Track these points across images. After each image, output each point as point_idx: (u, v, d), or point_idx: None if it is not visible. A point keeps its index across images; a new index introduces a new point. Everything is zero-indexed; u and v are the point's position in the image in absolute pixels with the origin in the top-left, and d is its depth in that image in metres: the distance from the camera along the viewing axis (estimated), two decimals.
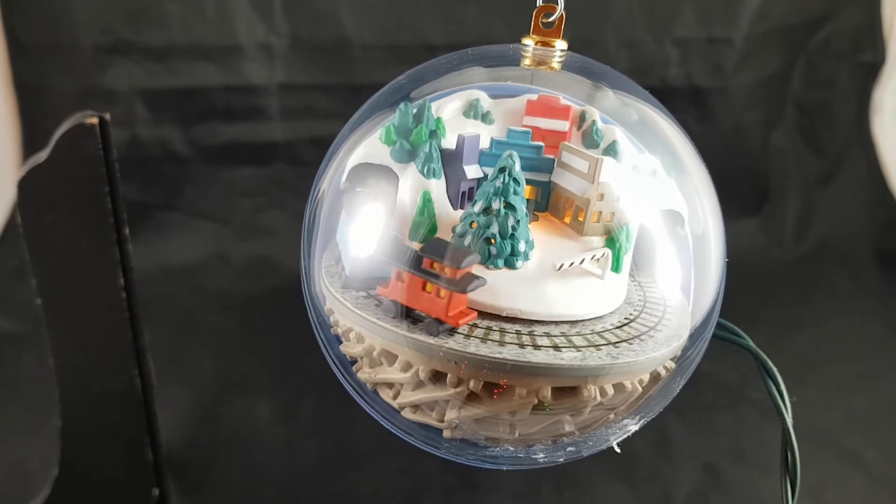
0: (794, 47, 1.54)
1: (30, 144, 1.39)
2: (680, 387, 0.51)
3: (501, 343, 0.43)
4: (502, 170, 0.44)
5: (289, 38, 1.41)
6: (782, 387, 0.55)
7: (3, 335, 1.22)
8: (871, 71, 1.54)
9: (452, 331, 0.44)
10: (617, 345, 0.45)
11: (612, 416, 0.48)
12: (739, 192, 1.55)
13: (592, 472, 1.05)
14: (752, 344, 0.56)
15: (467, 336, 0.44)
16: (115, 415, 0.84)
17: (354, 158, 0.49)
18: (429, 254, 0.44)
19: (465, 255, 0.44)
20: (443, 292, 0.43)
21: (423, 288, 0.44)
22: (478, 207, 0.44)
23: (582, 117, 0.50)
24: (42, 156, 0.72)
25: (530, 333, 0.44)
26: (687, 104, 1.51)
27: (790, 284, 1.48)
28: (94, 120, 0.71)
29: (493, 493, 1.03)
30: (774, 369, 0.55)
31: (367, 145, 0.49)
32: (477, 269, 0.45)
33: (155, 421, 0.86)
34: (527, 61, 0.50)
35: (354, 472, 1.05)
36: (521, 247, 0.45)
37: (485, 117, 0.51)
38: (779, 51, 1.53)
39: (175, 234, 1.45)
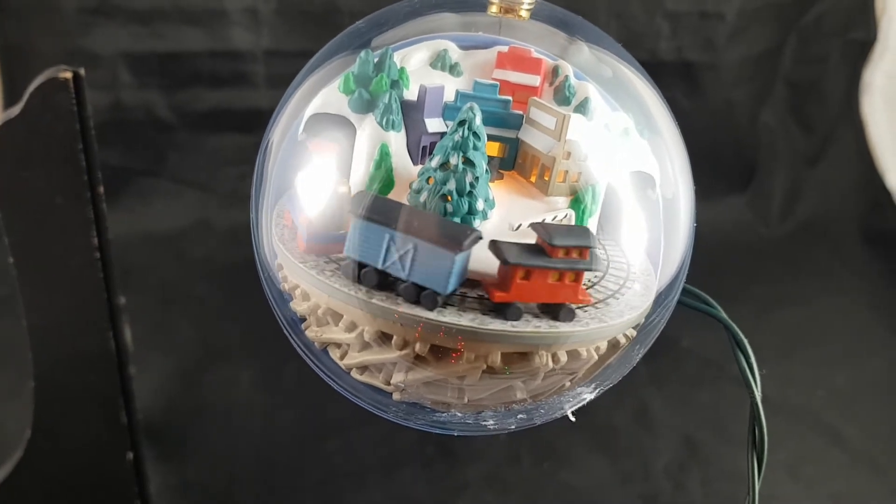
0: (785, 24, 1.52)
1: (11, 106, 1.37)
2: (640, 355, 0.49)
3: (450, 305, 0.42)
4: (462, 123, 0.42)
5: (275, 3, 1.39)
6: (752, 360, 0.53)
7: None
8: (863, 50, 1.53)
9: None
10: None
11: (567, 383, 0.47)
12: (727, 169, 1.54)
13: (572, 443, 1.05)
14: (724, 315, 0.54)
15: None
16: (89, 376, 0.83)
17: (311, 108, 0.47)
18: (564, 241, 0.41)
19: (586, 232, 0.43)
20: (578, 275, 0.42)
21: (556, 278, 0.42)
22: (435, 162, 0.42)
23: (555, 72, 0.48)
24: (15, 110, 0.70)
25: (481, 297, 0.43)
26: (676, 78, 1.50)
27: (776, 262, 1.47)
28: (68, 74, 0.69)
29: (473, 463, 1.03)
30: (745, 342, 0.53)
31: (324, 94, 0.47)
32: None
33: (129, 383, 0.85)
34: (494, 8, 0.48)
35: (333, 441, 1.05)
36: (480, 205, 0.42)
37: (453, 69, 0.48)
38: (770, 27, 1.52)
39: (158, 201, 1.44)
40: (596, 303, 0.44)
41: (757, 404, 0.52)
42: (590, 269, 0.42)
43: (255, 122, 1.45)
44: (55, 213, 0.75)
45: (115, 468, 0.87)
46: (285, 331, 0.50)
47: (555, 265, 0.41)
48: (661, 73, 1.47)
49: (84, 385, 0.83)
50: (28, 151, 0.72)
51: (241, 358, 1.18)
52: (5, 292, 1.20)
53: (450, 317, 0.41)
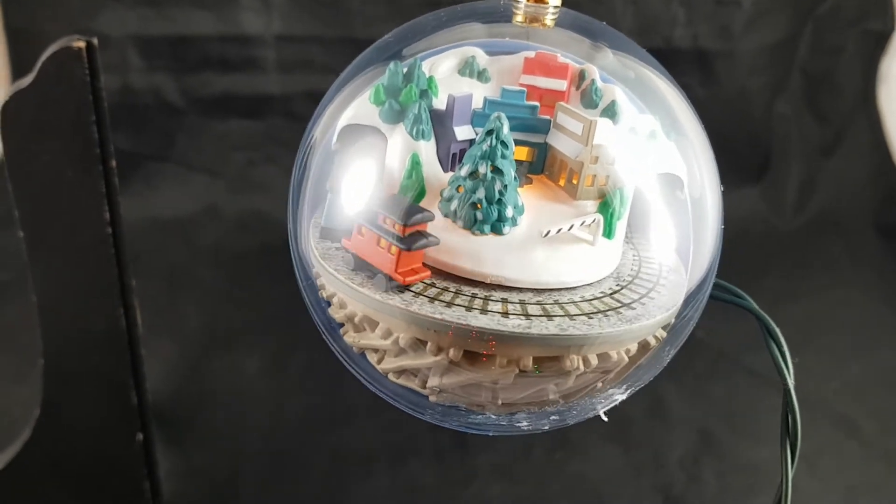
0: (802, 13, 1.51)
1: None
2: (670, 356, 0.50)
3: (484, 311, 0.42)
4: (490, 132, 0.43)
5: None
6: (785, 348, 0.54)
7: None
8: (880, 40, 1.51)
9: (402, 288, 0.43)
10: (605, 313, 0.44)
11: (598, 385, 0.47)
12: (741, 159, 1.53)
13: (585, 433, 1.05)
14: (755, 305, 0.55)
15: (448, 304, 0.43)
16: (99, 355, 0.81)
17: (344, 119, 0.48)
18: (383, 209, 0.43)
19: (415, 212, 0.43)
20: (393, 248, 0.43)
21: (378, 243, 0.43)
22: (464, 171, 0.43)
23: (581, 76, 0.49)
24: (26, 80, 0.68)
25: (519, 302, 0.43)
26: (692, 67, 1.49)
27: (789, 254, 1.47)
28: (82, 44, 0.67)
29: (484, 452, 1.03)
30: (777, 331, 0.54)
31: (356, 106, 0.48)
32: (463, 234, 0.43)
33: (140, 363, 0.83)
34: (519, 17, 0.49)
35: (343, 428, 1.04)
36: (509, 212, 0.43)
37: (480, 75, 0.49)
38: (787, 16, 1.51)
39: (166, 186, 1.43)
40: (620, 306, 0.45)
41: (790, 392, 0.53)
42: (399, 245, 0.43)
43: (265, 108, 1.44)
44: (66, 187, 0.73)
45: (124, 449, 0.86)
46: (323, 336, 0.51)
47: (368, 225, 0.44)
48: (677, 61, 1.46)
49: (94, 364, 0.82)
50: (39, 123, 0.70)
51: (249, 344, 1.18)
52: (9, 277, 1.20)
53: (479, 321, 0.42)
